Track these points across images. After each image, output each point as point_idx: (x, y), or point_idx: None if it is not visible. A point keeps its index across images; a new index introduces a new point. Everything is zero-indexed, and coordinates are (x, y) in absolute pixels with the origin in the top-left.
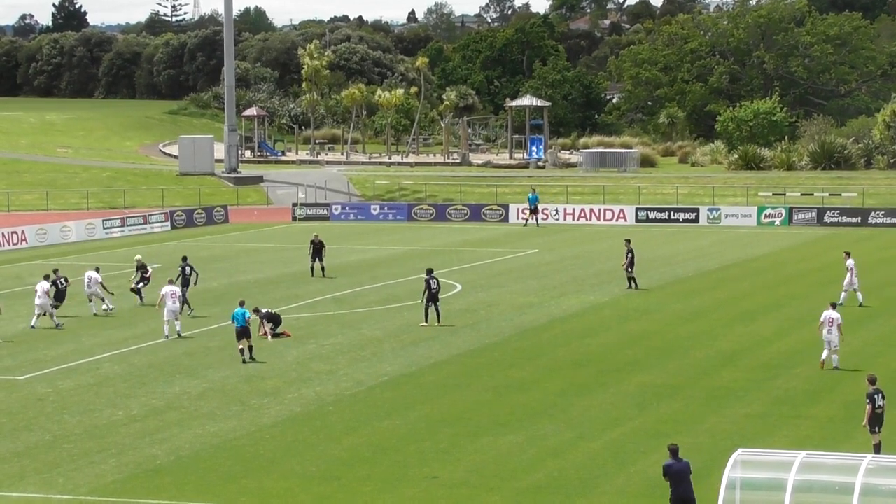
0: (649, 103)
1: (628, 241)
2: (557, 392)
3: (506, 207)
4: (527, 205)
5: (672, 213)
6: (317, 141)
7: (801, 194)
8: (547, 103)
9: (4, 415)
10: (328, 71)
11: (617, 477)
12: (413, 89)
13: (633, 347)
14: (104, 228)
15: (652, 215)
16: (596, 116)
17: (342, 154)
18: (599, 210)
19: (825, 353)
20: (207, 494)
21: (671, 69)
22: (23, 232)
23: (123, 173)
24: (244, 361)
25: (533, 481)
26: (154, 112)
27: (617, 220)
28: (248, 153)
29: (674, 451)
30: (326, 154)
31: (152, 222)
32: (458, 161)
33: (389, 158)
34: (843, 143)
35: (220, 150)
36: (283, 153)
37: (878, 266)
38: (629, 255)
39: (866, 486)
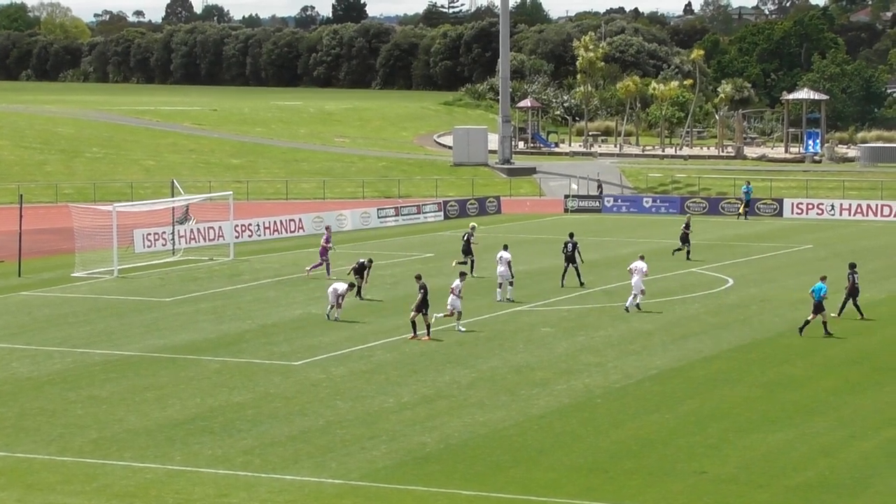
0: None
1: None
2: (830, 389)
3: (780, 202)
4: (742, 197)
5: None
6: (590, 133)
7: None
8: (825, 97)
9: (280, 399)
10: (603, 63)
11: (890, 477)
12: (688, 81)
13: None
14: (379, 217)
15: None
16: (875, 110)
17: (615, 146)
18: (877, 206)
19: None
20: (475, 483)
21: None
22: (300, 220)
23: (398, 163)
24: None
25: (803, 479)
26: (429, 103)
27: (895, 216)
28: (521, 144)
29: None
30: (599, 146)
31: (426, 212)
32: (732, 154)
33: (663, 151)
34: None
35: (493, 141)
36: (557, 144)
37: None
38: None
39: None
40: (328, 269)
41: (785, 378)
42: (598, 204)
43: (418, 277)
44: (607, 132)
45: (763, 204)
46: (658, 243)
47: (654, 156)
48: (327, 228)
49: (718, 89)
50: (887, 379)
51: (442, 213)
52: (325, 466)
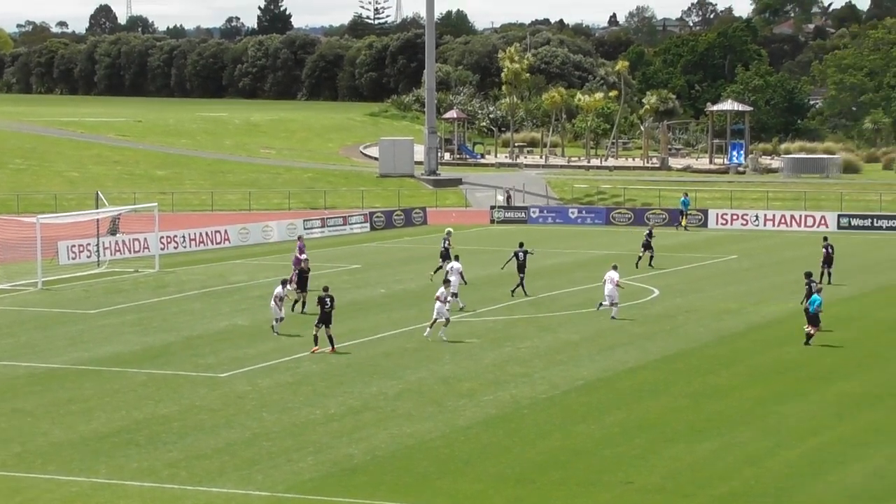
0: (853, 109)
1: (825, 239)
2: (755, 399)
3: (705, 213)
4: (681, 208)
5: (875, 220)
6: (516, 144)
7: None
8: (748, 108)
9: (206, 411)
10: (528, 74)
11: (814, 486)
12: (613, 93)
13: (834, 356)
14: (305, 229)
15: (854, 222)
16: (798, 122)
17: (541, 157)
18: (800, 216)
19: None
20: (402, 494)
21: (877, 74)
22: (226, 231)
23: (324, 174)
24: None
25: (728, 489)
26: (355, 114)
27: (818, 226)
28: (447, 155)
29: None
30: (525, 157)
31: (352, 223)
32: (657, 165)
33: (588, 162)
34: None
35: (419, 153)
36: (482, 156)
37: None
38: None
39: None
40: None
41: (710, 388)
42: (524, 215)
43: (325, 290)
44: (533, 143)
45: (688, 215)
46: (585, 254)
47: (579, 167)
48: (300, 238)
49: (643, 100)
50: (811, 388)
51: (368, 225)
52: (252, 479)
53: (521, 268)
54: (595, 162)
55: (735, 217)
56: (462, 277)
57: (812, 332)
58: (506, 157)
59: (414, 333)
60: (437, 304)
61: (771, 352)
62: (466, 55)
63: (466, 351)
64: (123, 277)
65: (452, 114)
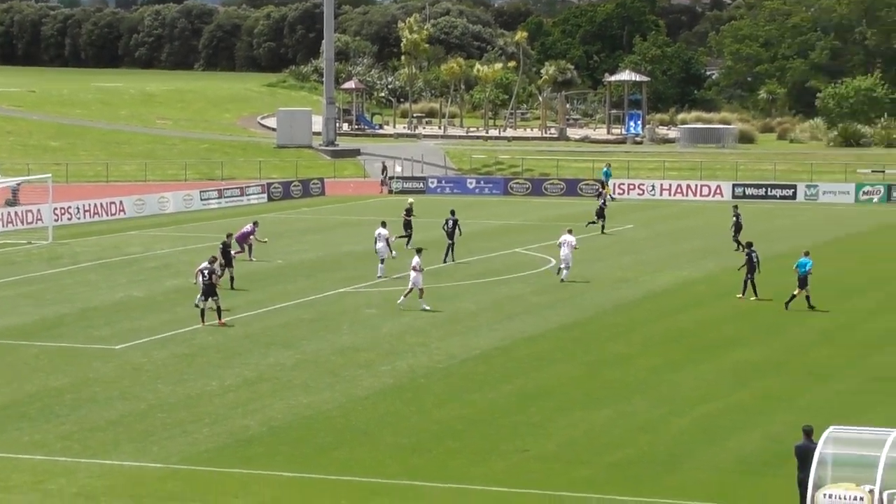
0: (749, 79)
1: (735, 207)
2: (650, 368)
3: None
4: (602, 178)
5: (769, 189)
6: (414, 115)
7: None
8: (646, 79)
9: (100, 384)
10: (427, 45)
11: (707, 452)
12: (512, 63)
13: (728, 324)
14: (201, 200)
15: (749, 191)
16: (695, 92)
17: (439, 128)
18: (696, 186)
19: None
20: (299, 465)
21: (772, 45)
22: (121, 202)
23: (221, 145)
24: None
25: (623, 456)
26: (253, 84)
27: (714, 195)
28: (345, 126)
29: (807, 432)
30: (424, 128)
31: (249, 194)
32: (555, 136)
33: (487, 133)
34: None
35: (317, 123)
36: (381, 126)
37: None
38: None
39: None
40: (250, 253)
41: (607, 356)
42: (422, 185)
43: (210, 261)
44: (432, 114)
45: (585, 185)
46: (483, 224)
47: (478, 137)
48: (255, 224)
49: (542, 71)
50: (703, 357)
51: (265, 195)
52: (147, 450)
53: (451, 234)
54: (493, 132)
55: (632, 187)
56: (388, 245)
57: (797, 294)
58: (404, 127)
59: (314, 304)
60: (413, 273)
61: (667, 320)
62: (366, 25)
63: (364, 321)
64: (16, 249)
65: (351, 84)
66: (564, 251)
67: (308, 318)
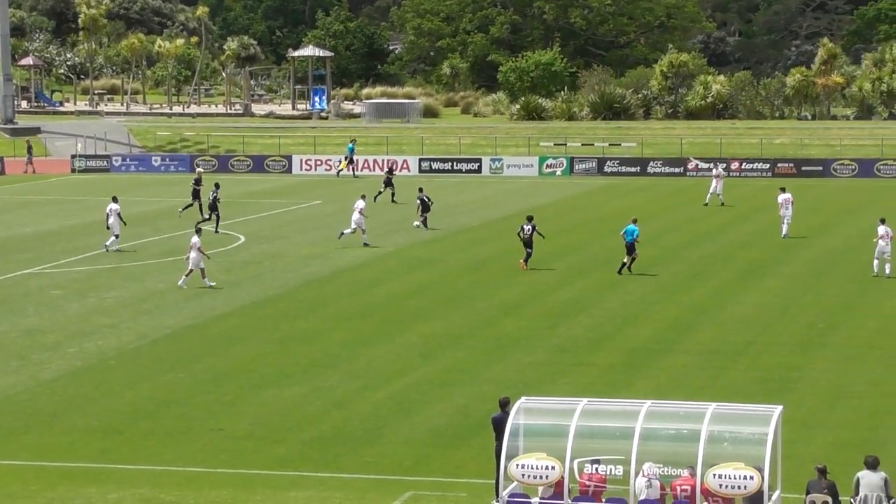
0: (432, 54)
1: (420, 190)
2: (342, 343)
3: (289, 158)
4: (346, 154)
5: (455, 163)
6: (96, 91)
7: (582, 144)
8: (329, 54)
9: None
10: (107, 20)
11: (401, 426)
12: (194, 39)
13: (418, 297)
14: None
15: (435, 166)
16: (379, 67)
17: (122, 105)
18: (383, 161)
19: (876, 264)
20: None
21: (453, 19)
22: None
23: None
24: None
25: (318, 432)
26: None
27: (400, 170)
28: (24, 104)
29: (503, 404)
30: (106, 105)
31: None
32: (240, 112)
33: (171, 109)
34: (622, 93)
35: None
36: (62, 104)
37: (657, 215)
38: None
39: (646, 431)
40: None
41: (298, 333)
42: (106, 164)
43: None
44: (114, 91)
45: (272, 161)
46: (170, 202)
47: (162, 114)
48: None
49: (224, 47)
50: (396, 331)
51: None
52: None
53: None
54: (178, 109)
55: (319, 163)
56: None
57: (627, 260)
58: (86, 104)
59: None
60: (193, 253)
61: (357, 295)
62: (41, 1)
63: (50, 302)
64: None
65: (29, 61)
66: (356, 216)
67: None
